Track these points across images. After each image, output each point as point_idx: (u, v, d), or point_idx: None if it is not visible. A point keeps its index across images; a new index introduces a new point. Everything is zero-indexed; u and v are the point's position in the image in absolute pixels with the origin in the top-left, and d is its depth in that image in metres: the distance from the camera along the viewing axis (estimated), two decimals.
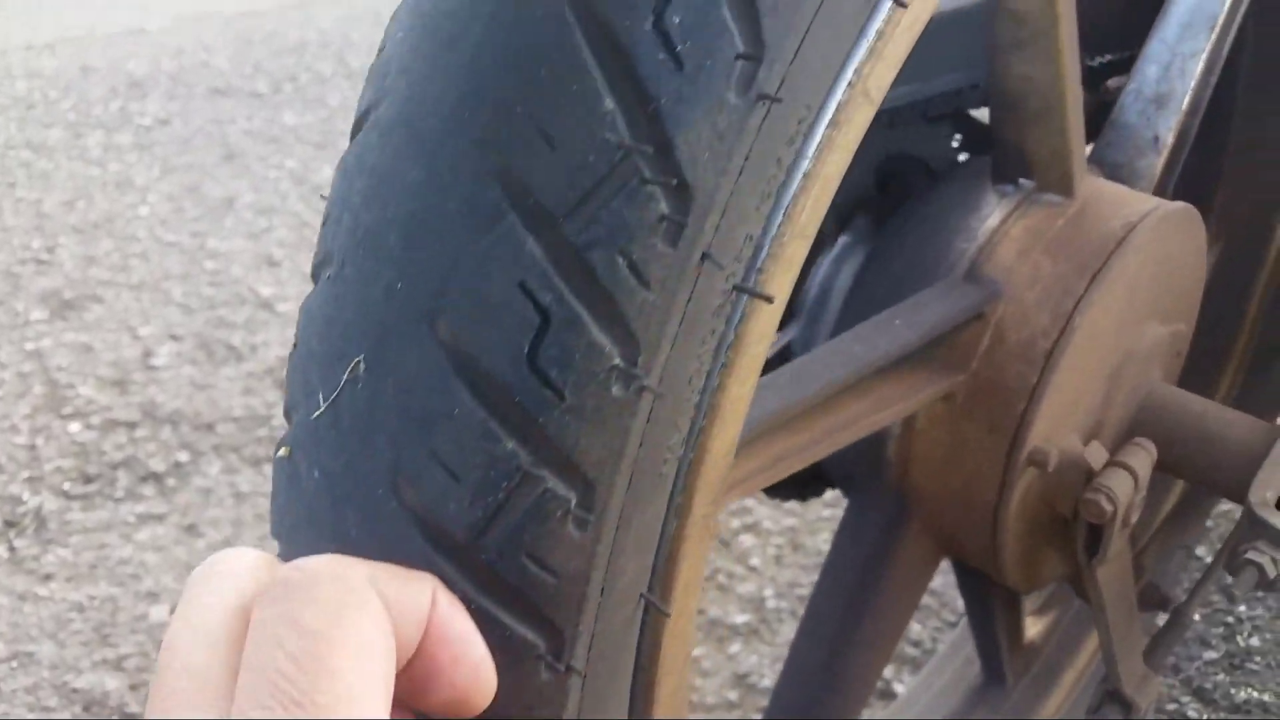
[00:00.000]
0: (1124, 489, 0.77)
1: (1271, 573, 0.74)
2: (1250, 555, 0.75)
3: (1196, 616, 1.54)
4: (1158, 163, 0.87)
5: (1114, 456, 0.79)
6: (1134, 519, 0.80)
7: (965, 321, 0.77)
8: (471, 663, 0.42)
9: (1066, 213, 0.79)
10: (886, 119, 0.86)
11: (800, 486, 1.01)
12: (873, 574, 0.81)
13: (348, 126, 3.14)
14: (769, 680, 1.49)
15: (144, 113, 3.56)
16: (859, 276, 0.87)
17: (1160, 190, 0.88)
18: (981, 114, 0.96)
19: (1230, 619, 1.54)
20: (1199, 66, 0.86)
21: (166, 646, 0.39)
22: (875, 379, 0.75)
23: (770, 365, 0.92)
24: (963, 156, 0.97)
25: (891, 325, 0.75)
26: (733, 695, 1.48)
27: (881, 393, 0.76)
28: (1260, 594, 1.57)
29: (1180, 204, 0.86)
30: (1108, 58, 0.99)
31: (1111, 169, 0.88)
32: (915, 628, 1.56)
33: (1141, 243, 0.80)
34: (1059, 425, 0.79)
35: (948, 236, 0.80)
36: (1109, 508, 0.76)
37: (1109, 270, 0.78)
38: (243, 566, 0.41)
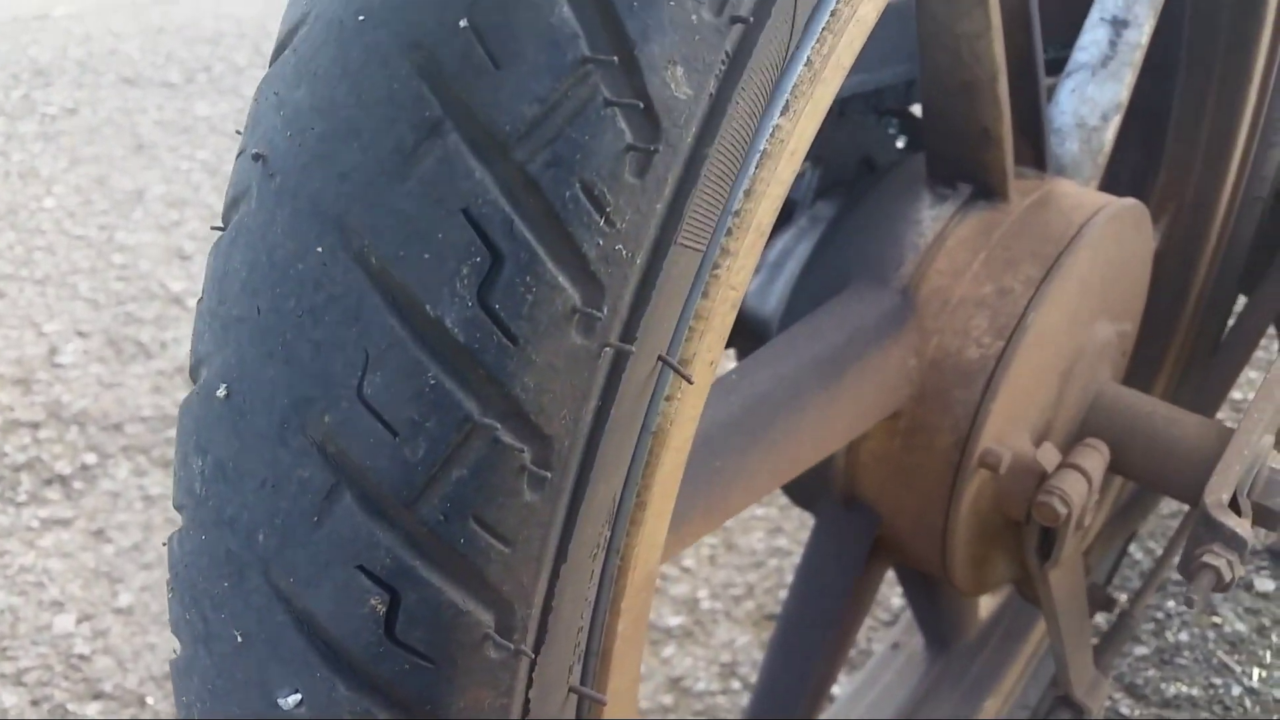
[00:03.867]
0: (1078, 491, 0.75)
1: (1228, 575, 0.73)
2: (1207, 559, 0.73)
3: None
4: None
5: (1067, 458, 0.77)
6: (1087, 521, 0.78)
7: (1028, 171, 0.76)
8: None
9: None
10: (837, 108, 0.84)
11: None
12: (845, 357, 0.76)
13: None
14: (704, 683, 1.46)
15: (49, 102, 3.42)
16: (816, 251, 0.84)
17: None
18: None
19: (1160, 614, 1.55)
20: None
21: None
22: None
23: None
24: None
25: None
26: (667, 699, 1.44)
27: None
28: (1189, 589, 1.58)
29: (1131, 200, 0.85)
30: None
31: None
32: None
33: (1101, 232, 0.78)
34: (1011, 425, 0.77)
35: (887, 241, 0.77)
36: (1063, 510, 0.74)
37: (1061, 266, 0.76)
38: None
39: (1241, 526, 0.74)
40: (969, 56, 0.69)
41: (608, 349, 0.42)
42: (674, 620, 1.55)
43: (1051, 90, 0.88)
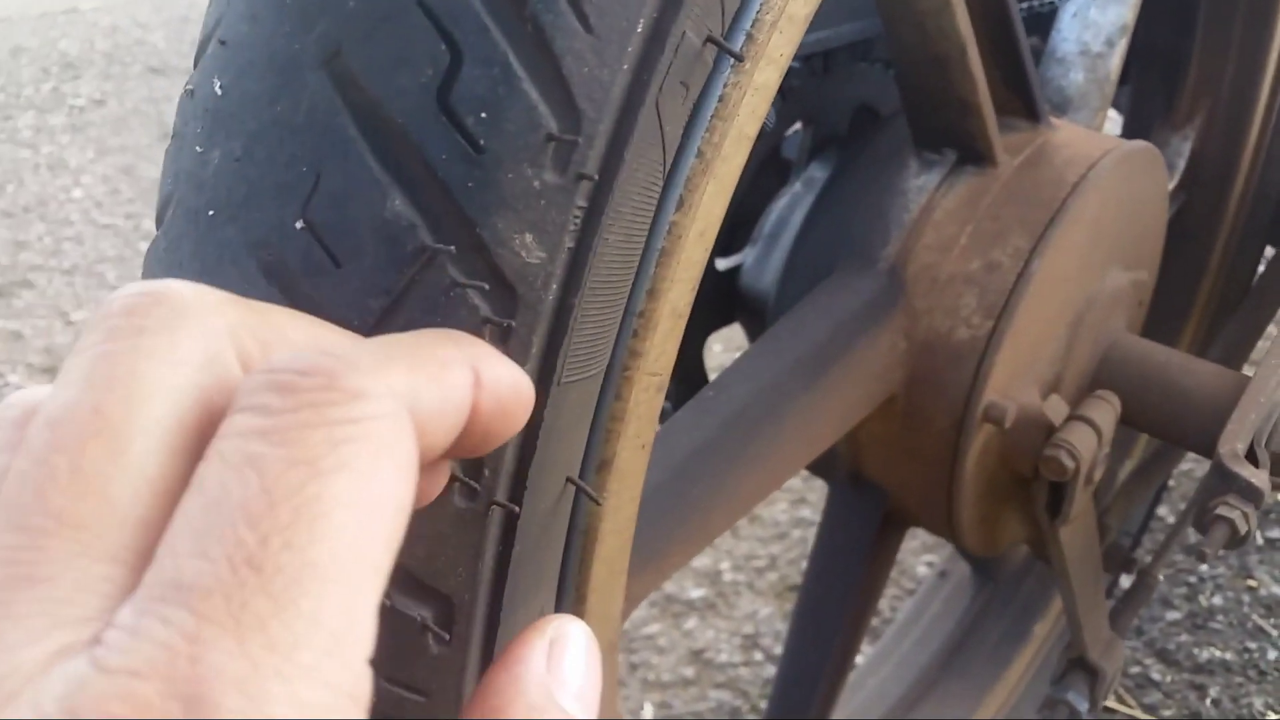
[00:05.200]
0: (1087, 444, 0.73)
1: (1243, 528, 0.70)
2: (1220, 511, 0.71)
3: (1160, 577, 1.52)
4: None
5: (1075, 410, 0.75)
6: (1098, 476, 0.75)
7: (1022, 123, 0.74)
8: (521, 404, 0.34)
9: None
10: (821, 63, 0.81)
11: None
12: (830, 353, 0.75)
13: None
14: (725, 655, 1.45)
15: (78, 94, 3.45)
16: (807, 223, 0.82)
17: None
18: None
19: (1193, 579, 1.52)
20: None
21: (53, 421, 0.25)
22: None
23: (720, 284, 0.88)
24: None
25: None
26: (689, 671, 1.43)
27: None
28: (1223, 552, 1.55)
29: (1142, 143, 0.82)
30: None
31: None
32: None
33: (1102, 183, 0.75)
34: (1017, 378, 0.75)
35: (874, 216, 0.75)
36: (1070, 464, 0.72)
37: (1067, 212, 0.73)
38: (218, 317, 0.28)
39: (1257, 477, 0.72)
40: (934, 31, 0.66)
41: (495, 507, 0.42)
42: (696, 593, 1.54)
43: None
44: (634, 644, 1.46)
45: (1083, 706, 0.80)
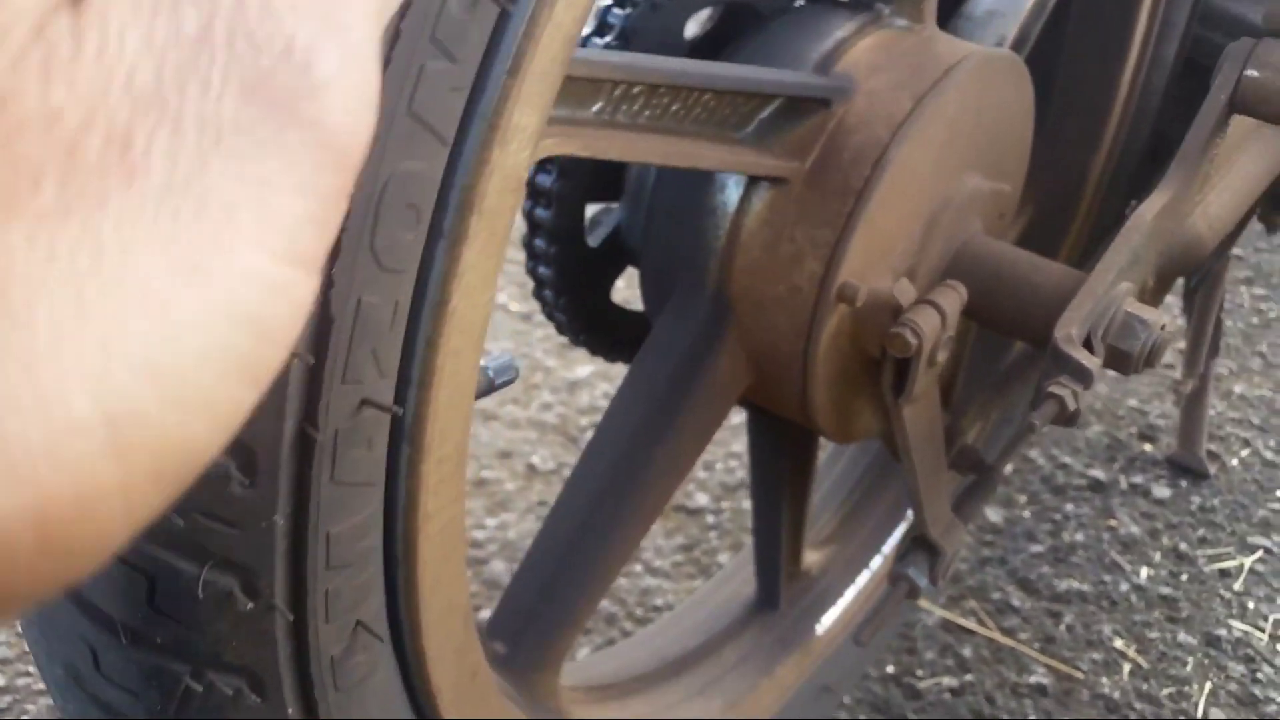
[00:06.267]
0: (930, 324, 0.76)
1: (1071, 405, 0.75)
2: (1052, 389, 0.75)
3: (1028, 511, 1.58)
4: None
5: (923, 296, 0.79)
6: (941, 358, 0.79)
7: (811, 106, 0.77)
8: None
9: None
10: None
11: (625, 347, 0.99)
12: (678, 390, 0.81)
13: None
14: None
15: None
16: (653, 196, 0.84)
17: None
18: None
19: (1058, 516, 1.58)
20: None
21: None
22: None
23: (602, 253, 0.90)
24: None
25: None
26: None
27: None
28: (1088, 493, 1.62)
29: (1005, 51, 0.86)
30: None
31: None
32: None
33: (962, 81, 0.79)
34: (872, 263, 0.78)
35: (693, 233, 0.79)
36: (913, 341, 0.75)
37: (925, 106, 0.76)
38: None
39: (1089, 360, 0.76)
40: None
41: None
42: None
43: None
44: (517, 553, 1.49)
45: (922, 582, 0.85)
